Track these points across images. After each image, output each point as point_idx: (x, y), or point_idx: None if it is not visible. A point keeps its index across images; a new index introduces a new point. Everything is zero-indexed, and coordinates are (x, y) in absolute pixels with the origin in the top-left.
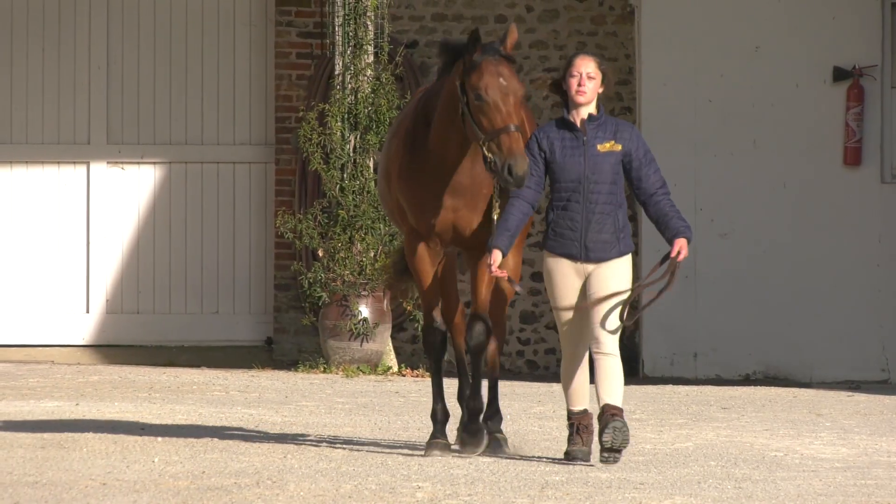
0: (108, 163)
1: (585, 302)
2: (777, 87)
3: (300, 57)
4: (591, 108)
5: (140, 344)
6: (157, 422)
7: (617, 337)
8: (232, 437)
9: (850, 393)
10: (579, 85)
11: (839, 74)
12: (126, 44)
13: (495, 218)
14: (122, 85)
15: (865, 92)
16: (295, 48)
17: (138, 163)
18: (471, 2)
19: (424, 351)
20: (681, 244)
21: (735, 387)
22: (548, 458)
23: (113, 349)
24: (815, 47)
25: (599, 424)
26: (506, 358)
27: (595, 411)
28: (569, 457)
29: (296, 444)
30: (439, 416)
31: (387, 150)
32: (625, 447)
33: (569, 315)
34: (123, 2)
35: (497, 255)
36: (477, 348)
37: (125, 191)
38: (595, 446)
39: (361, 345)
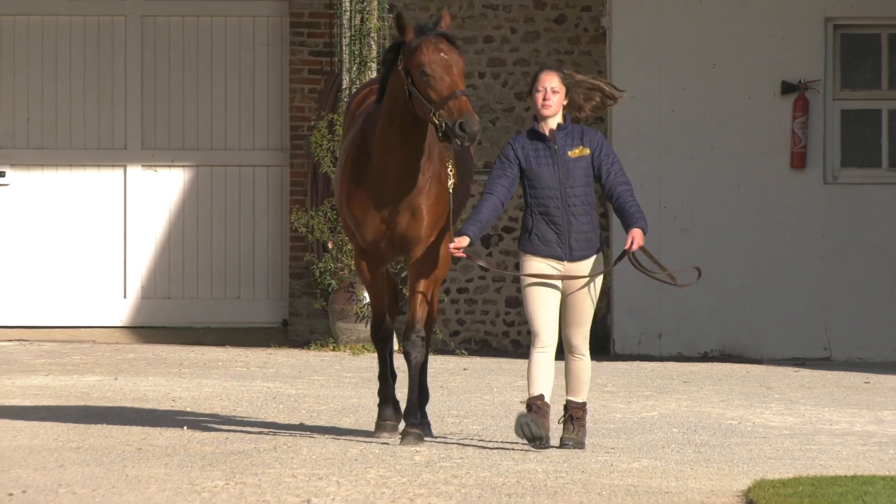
0: (142, 166)
1: (564, 295)
2: (732, 99)
3: (311, 73)
4: (558, 119)
5: (171, 325)
6: (186, 394)
7: (588, 339)
8: (252, 406)
9: (797, 369)
10: (544, 99)
11: (786, 88)
12: (158, 61)
13: (451, 190)
14: (154, 97)
15: (810, 103)
16: (307, 65)
17: (169, 166)
18: (461, 24)
19: (374, 345)
20: (634, 234)
21: (695, 363)
22: None
23: (147, 330)
24: (766, 64)
25: (563, 416)
26: (493, 338)
27: (557, 401)
28: (520, 426)
29: (308, 413)
30: (390, 398)
31: (340, 166)
32: (580, 449)
33: (546, 313)
34: (156, 24)
35: (464, 241)
36: (418, 365)
37: (158, 191)
38: (554, 431)
39: (366, 326)
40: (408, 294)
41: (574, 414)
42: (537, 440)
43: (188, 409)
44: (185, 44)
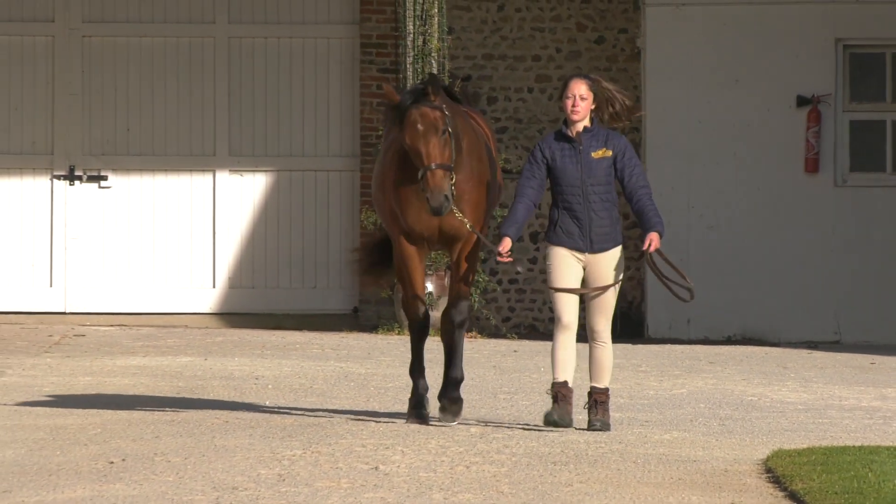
0: (230, 171)
1: (585, 288)
2: (752, 111)
3: (379, 88)
4: (585, 122)
5: (254, 312)
6: (268, 373)
7: (610, 327)
8: (326, 384)
9: (810, 351)
10: (573, 105)
11: (801, 101)
12: (243, 77)
13: (469, 227)
14: (240, 109)
15: (822, 115)
16: (375, 81)
17: (253, 171)
18: (512, 44)
19: (410, 333)
20: (651, 237)
21: (719, 346)
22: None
23: (233, 316)
24: (782, 80)
25: (588, 402)
26: (540, 323)
27: (581, 388)
28: (547, 420)
29: (376, 390)
30: (420, 389)
31: (381, 163)
32: (606, 431)
33: (567, 297)
34: (241, 45)
35: (507, 243)
36: (461, 324)
37: (243, 193)
38: (578, 415)
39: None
40: (449, 278)
41: (598, 399)
42: (563, 427)
43: (270, 387)
44: (267, 62)
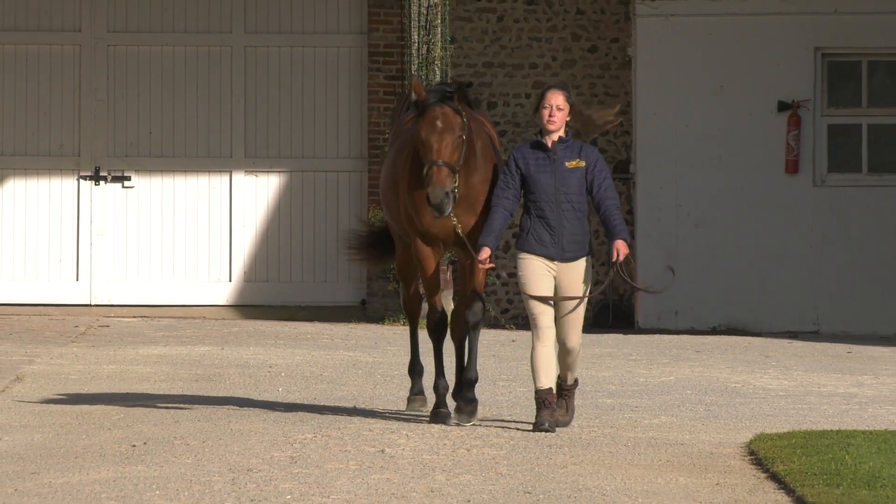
0: (245, 172)
1: (557, 295)
2: (736, 115)
3: (386, 94)
4: (560, 133)
5: (268, 304)
6: (281, 361)
7: (580, 337)
8: (336, 371)
9: (790, 341)
10: (550, 115)
11: (782, 106)
12: (259, 84)
13: (459, 232)
14: (255, 114)
15: (801, 119)
16: (382, 87)
17: (267, 172)
18: (511, 53)
19: (428, 330)
20: (618, 245)
21: (705, 336)
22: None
23: (248, 308)
24: (764, 86)
25: (558, 395)
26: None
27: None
28: (537, 427)
29: (382, 377)
30: (441, 389)
31: (393, 164)
32: (567, 426)
33: (540, 304)
34: (257, 54)
35: (487, 252)
36: (476, 325)
37: (258, 192)
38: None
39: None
40: (460, 276)
41: (565, 394)
42: (552, 431)
43: (282, 374)
44: (281, 70)
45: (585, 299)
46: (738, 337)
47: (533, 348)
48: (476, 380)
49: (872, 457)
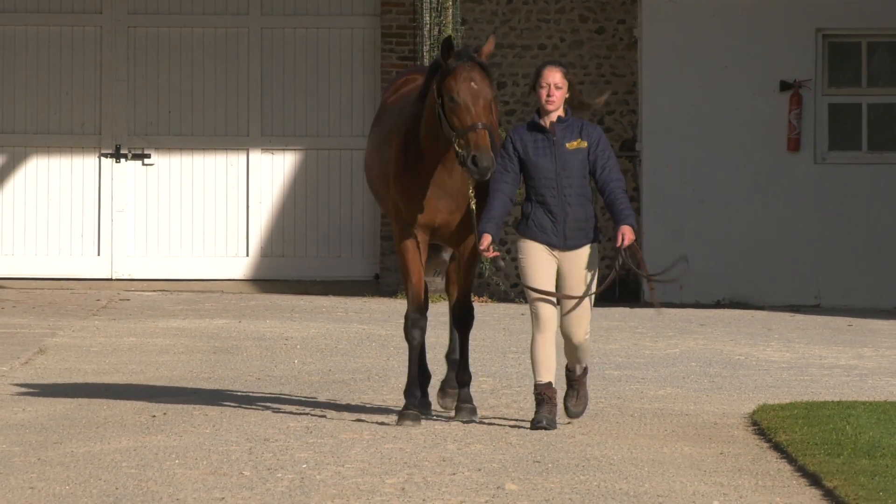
0: (262, 150)
1: (559, 286)
2: (739, 94)
3: (398, 75)
4: (559, 112)
5: (284, 279)
6: (297, 334)
7: (588, 330)
8: (350, 344)
9: (792, 314)
10: (548, 95)
11: (784, 86)
12: (275, 64)
13: (473, 207)
14: (272, 93)
15: (803, 99)
16: (395, 67)
17: (283, 150)
18: (521, 34)
19: (406, 337)
20: (624, 230)
21: (709, 309)
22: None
23: (265, 282)
24: (767, 66)
25: (566, 383)
26: None
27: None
28: (534, 425)
29: (395, 349)
30: (418, 394)
31: (380, 152)
32: (578, 417)
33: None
34: (273, 35)
35: (488, 239)
36: (467, 329)
37: (274, 170)
38: (560, 409)
39: (442, 279)
40: (450, 273)
41: (573, 384)
42: (552, 430)
43: (298, 347)
44: (297, 50)
45: (594, 291)
46: (742, 310)
47: (532, 340)
48: (469, 381)
49: (872, 427)
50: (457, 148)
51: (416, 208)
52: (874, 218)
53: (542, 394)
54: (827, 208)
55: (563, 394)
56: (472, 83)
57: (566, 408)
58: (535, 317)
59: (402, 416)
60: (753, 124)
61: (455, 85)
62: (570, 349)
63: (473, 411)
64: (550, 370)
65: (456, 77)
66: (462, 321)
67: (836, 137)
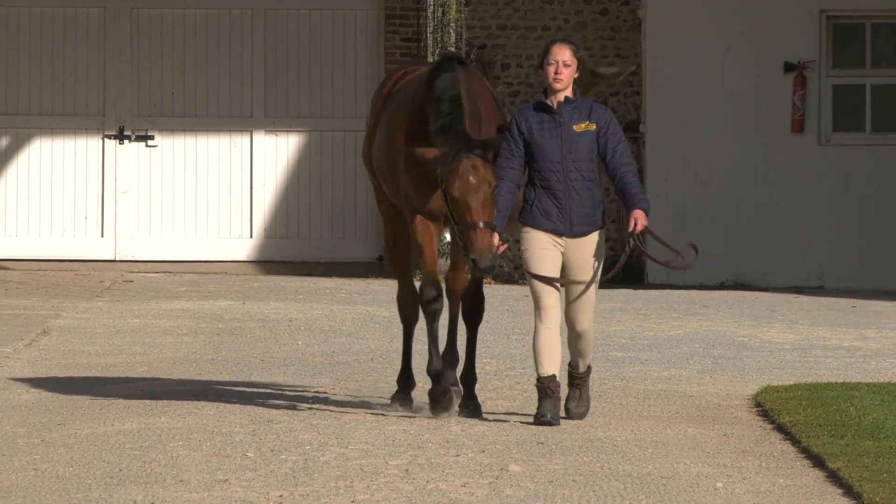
0: (265, 131)
1: (564, 275)
2: (743, 76)
3: (402, 56)
4: (567, 92)
5: (288, 260)
6: (301, 316)
7: (592, 319)
8: (354, 326)
9: (796, 296)
10: (556, 72)
11: (788, 67)
12: (279, 46)
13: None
14: (275, 74)
15: (807, 80)
16: (398, 49)
17: (287, 131)
18: (524, 16)
19: (425, 315)
20: (636, 215)
21: (713, 291)
22: None
23: (269, 263)
24: (771, 47)
25: (568, 382)
26: None
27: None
28: (538, 419)
29: (399, 331)
30: (447, 379)
31: (390, 140)
32: (582, 418)
33: (545, 285)
34: (276, 16)
35: (496, 236)
36: (477, 322)
37: (278, 151)
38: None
39: (446, 260)
40: (455, 259)
41: (577, 383)
42: (556, 424)
43: (302, 328)
44: (300, 32)
45: (598, 279)
46: (746, 292)
47: (535, 331)
48: (475, 381)
49: (876, 408)
50: (459, 240)
51: (428, 196)
52: (878, 199)
53: (546, 387)
54: (831, 190)
55: (565, 394)
56: (471, 176)
57: (567, 409)
58: (538, 307)
59: (435, 399)
60: (757, 106)
61: (453, 181)
62: (574, 338)
63: (478, 409)
64: (554, 362)
65: (454, 172)
66: (472, 312)
67: (840, 119)
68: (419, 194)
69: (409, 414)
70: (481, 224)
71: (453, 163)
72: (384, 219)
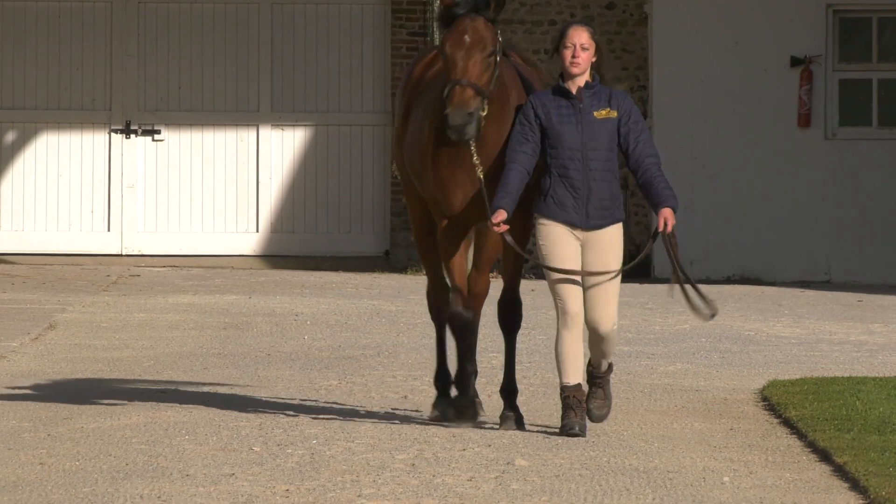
0: (272, 125)
1: (583, 270)
2: (750, 70)
3: (409, 50)
4: (585, 77)
5: (294, 254)
6: (307, 310)
7: (615, 317)
8: (360, 320)
9: (802, 290)
10: (573, 56)
11: (795, 62)
12: (285, 40)
13: (480, 177)
14: (282, 69)
15: (814, 74)
16: (405, 43)
17: (293, 125)
18: (530, 10)
19: (453, 333)
20: (665, 214)
21: (720, 285)
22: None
23: (275, 258)
24: (778, 42)
25: (588, 383)
26: None
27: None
28: (564, 430)
29: (405, 325)
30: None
31: (419, 132)
32: (604, 420)
33: (569, 282)
34: (283, 11)
35: (502, 214)
36: (516, 329)
37: (284, 146)
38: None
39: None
40: (478, 260)
41: (597, 382)
42: (583, 435)
43: (308, 323)
44: (307, 26)
45: (619, 274)
46: (752, 286)
47: (559, 337)
48: (516, 392)
49: (882, 403)
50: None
51: (455, 200)
52: (885, 193)
53: (572, 396)
54: (837, 184)
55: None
56: (466, 36)
57: (589, 410)
58: (561, 312)
59: (460, 413)
60: (764, 100)
61: (448, 35)
62: (596, 341)
63: (520, 419)
64: (579, 371)
65: (452, 27)
66: (508, 317)
67: (847, 113)
68: (446, 194)
69: (450, 425)
70: (464, 81)
71: (455, 18)
72: (412, 212)
